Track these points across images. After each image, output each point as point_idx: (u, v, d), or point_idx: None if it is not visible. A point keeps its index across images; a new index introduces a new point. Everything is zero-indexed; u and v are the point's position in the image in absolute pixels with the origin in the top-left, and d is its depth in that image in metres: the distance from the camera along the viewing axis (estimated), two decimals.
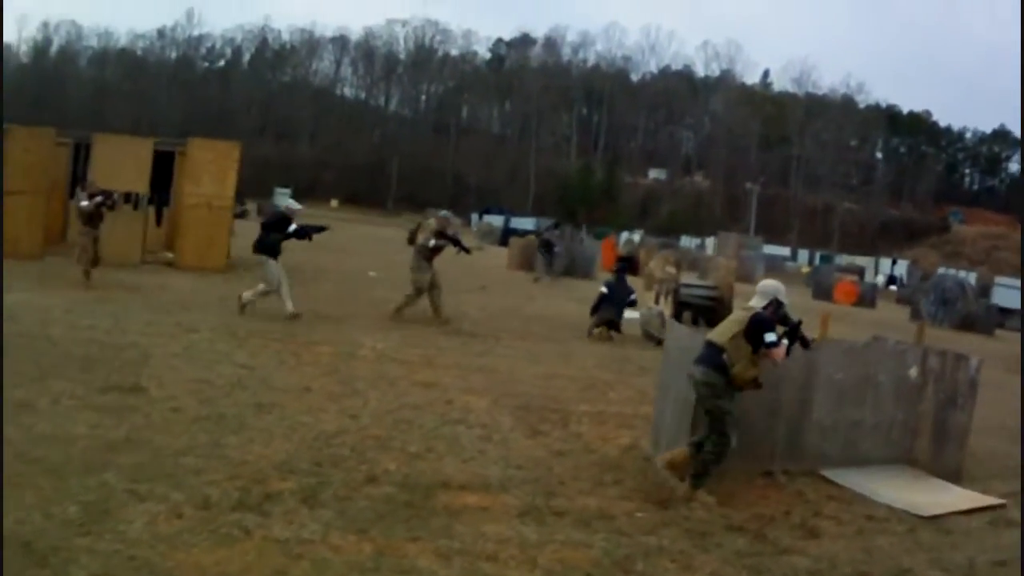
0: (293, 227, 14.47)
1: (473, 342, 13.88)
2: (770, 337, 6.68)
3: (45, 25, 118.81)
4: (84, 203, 15.72)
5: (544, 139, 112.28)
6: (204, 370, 9.75)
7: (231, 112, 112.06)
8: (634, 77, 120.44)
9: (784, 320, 7.07)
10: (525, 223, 67.45)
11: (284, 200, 67.61)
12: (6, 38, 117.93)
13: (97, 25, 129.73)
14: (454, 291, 21.62)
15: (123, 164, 19.83)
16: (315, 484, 6.29)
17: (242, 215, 61.21)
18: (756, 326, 6.73)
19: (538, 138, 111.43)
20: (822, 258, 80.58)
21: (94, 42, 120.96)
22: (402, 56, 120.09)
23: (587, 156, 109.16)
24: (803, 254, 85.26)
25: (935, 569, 5.85)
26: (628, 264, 28.55)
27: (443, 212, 16.10)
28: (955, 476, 8.21)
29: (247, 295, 14.19)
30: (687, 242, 72.74)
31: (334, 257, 29.27)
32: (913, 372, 8.36)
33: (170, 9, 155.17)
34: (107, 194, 16.38)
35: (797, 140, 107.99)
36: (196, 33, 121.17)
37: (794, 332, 7.03)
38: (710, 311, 14.74)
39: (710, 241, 69.14)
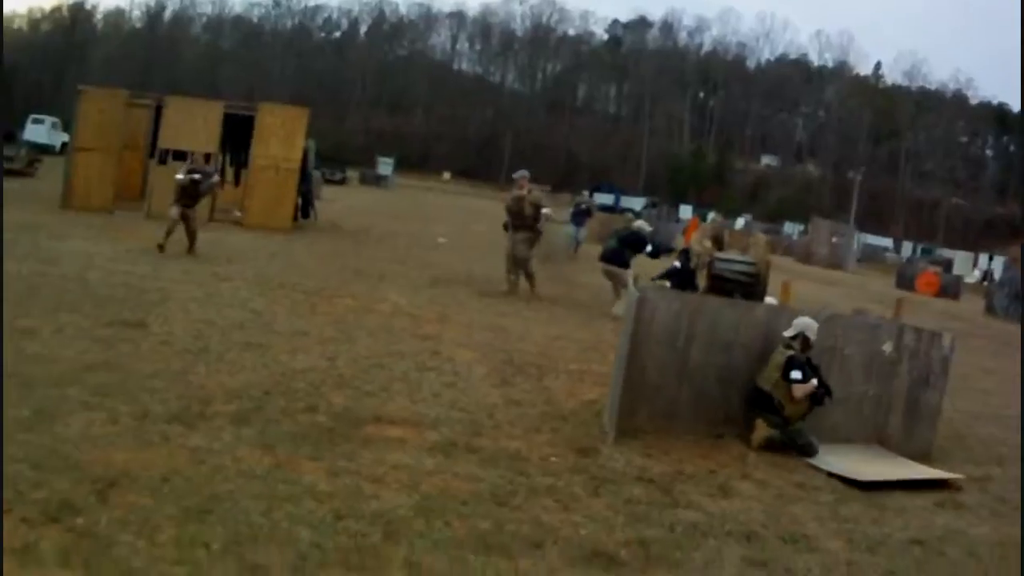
0: (649, 248, 15.14)
1: (502, 304, 14.49)
2: (795, 375, 7.50)
3: None
4: (179, 176, 15.70)
5: (658, 121, 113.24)
6: (214, 313, 10.62)
7: (346, 83, 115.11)
8: (750, 64, 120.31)
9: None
10: (635, 203, 68.41)
11: (386, 168, 69.68)
12: (120, 3, 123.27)
13: None
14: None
15: (192, 126, 21.11)
16: (252, 408, 6.97)
17: (342, 181, 63.41)
18: (786, 366, 7.56)
19: (652, 120, 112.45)
20: (923, 251, 79.06)
21: (208, 9, 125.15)
22: (519, 34, 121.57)
23: (700, 140, 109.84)
24: (907, 246, 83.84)
25: (838, 539, 5.92)
26: (714, 244, 28.78)
27: (520, 172, 16.06)
28: (925, 456, 8.23)
29: (618, 310, 13.30)
30: (790, 228, 72.46)
31: (412, 224, 30.22)
32: (887, 347, 8.40)
33: None
34: (206, 173, 16.34)
35: (907, 133, 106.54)
36: (312, 3, 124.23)
37: (821, 381, 7.79)
38: (746, 286, 14.86)
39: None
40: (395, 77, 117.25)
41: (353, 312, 12.07)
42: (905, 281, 40.57)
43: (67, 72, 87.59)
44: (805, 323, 7.87)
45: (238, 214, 22.28)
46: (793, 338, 7.82)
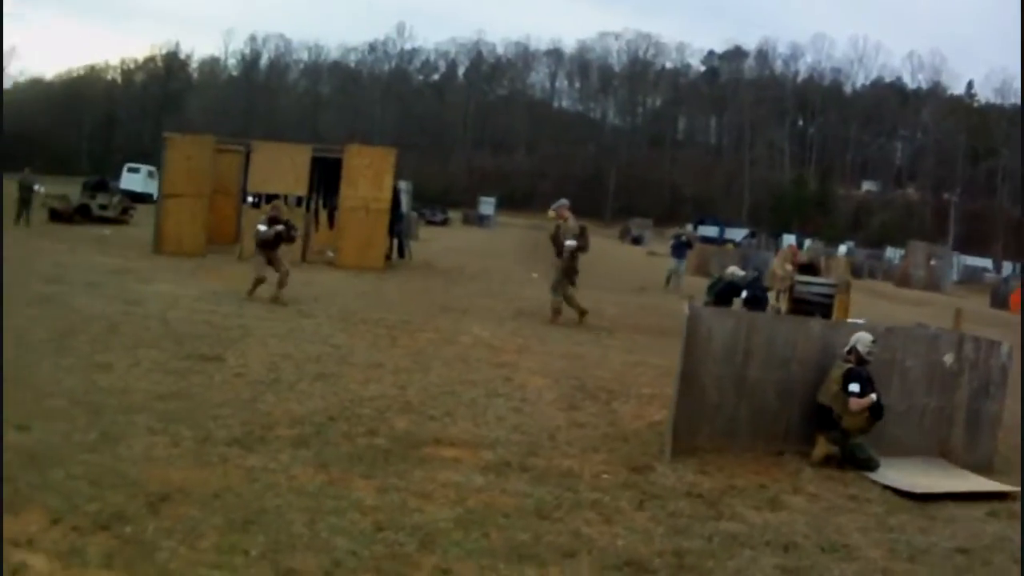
0: (745, 294, 15.61)
1: (582, 334, 14.77)
2: (853, 387, 7.80)
3: (253, 39, 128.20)
4: (262, 227, 15.56)
5: (759, 151, 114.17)
6: (292, 347, 11.17)
7: (447, 125, 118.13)
8: (846, 89, 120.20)
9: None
10: (737, 234, 68.60)
11: (488, 208, 70.97)
12: (214, 52, 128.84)
13: (307, 39, 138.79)
14: (612, 290, 22.61)
15: (281, 169, 22.13)
16: (313, 433, 7.38)
17: (444, 222, 64.75)
18: (844, 378, 7.85)
19: (752, 150, 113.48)
20: (1022, 269, 76.69)
21: (304, 55, 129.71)
22: (617, 69, 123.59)
23: (800, 168, 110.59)
24: (1007, 266, 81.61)
25: (880, 549, 5.99)
26: (809, 270, 29.00)
27: (560, 201, 16.59)
28: (987, 467, 8.24)
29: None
30: (892, 253, 71.62)
31: (506, 261, 30.71)
32: (948, 359, 8.43)
33: (381, 23, 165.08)
34: (289, 225, 16.29)
35: (1002, 151, 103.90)
36: (409, 47, 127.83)
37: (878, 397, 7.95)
38: (826, 307, 14.97)
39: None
40: (496, 117, 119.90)
41: (433, 344, 12.47)
42: (999, 300, 40.98)
43: (164, 121, 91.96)
44: (858, 337, 8.12)
45: (331, 255, 23.14)
46: (850, 352, 8.06)
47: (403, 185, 44.96)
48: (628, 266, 35.63)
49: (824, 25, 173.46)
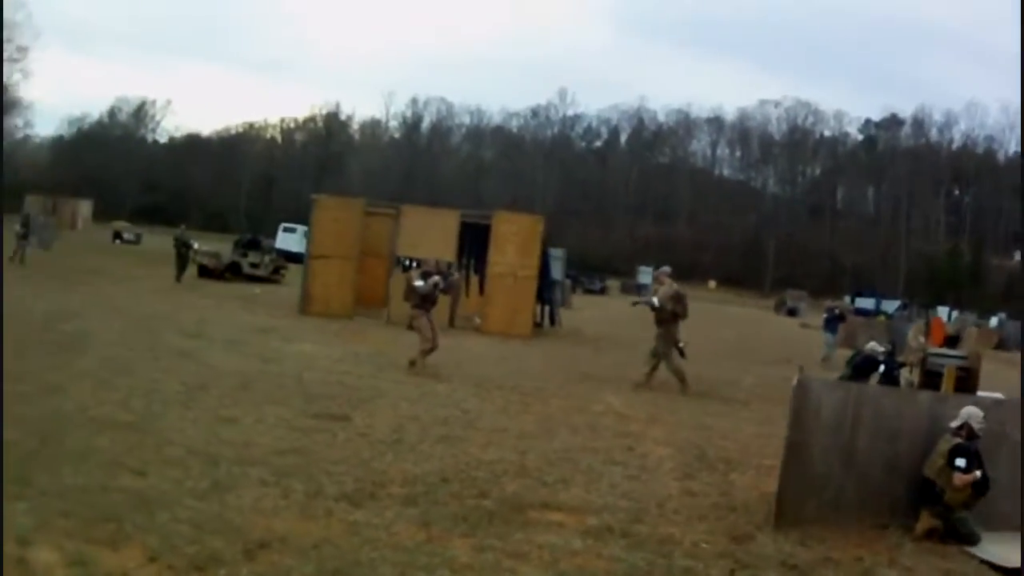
0: (882, 368, 15.47)
1: (715, 405, 14.85)
2: (959, 463, 7.87)
3: (414, 101, 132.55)
4: (419, 283, 15.60)
5: (915, 221, 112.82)
6: (422, 410, 11.56)
7: (609, 191, 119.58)
8: (999, 156, 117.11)
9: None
10: (891, 306, 67.69)
11: (646, 278, 71.05)
12: (375, 113, 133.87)
13: (468, 103, 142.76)
14: (756, 361, 22.35)
15: (429, 233, 22.89)
16: (423, 492, 7.67)
17: (601, 291, 65.14)
18: (951, 453, 7.92)
19: (909, 220, 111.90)
20: None
21: (466, 119, 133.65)
22: (776, 137, 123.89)
23: (955, 237, 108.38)
24: None
25: None
26: (955, 343, 28.53)
27: (662, 268, 17.20)
28: None
29: None
30: None
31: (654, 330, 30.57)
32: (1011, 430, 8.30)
33: (543, 89, 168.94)
34: (444, 275, 16.85)
35: None
36: (571, 113, 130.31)
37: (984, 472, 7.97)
38: (959, 380, 14.86)
39: None
40: (658, 184, 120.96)
41: (563, 411, 12.67)
42: None
43: (324, 182, 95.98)
44: (969, 412, 8.14)
45: (478, 321, 23.66)
46: (959, 428, 8.06)
47: (555, 252, 45.77)
48: (777, 337, 34.97)
49: (977, 91, 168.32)
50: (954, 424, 8.11)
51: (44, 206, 53.82)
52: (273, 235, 54.00)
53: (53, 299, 18.87)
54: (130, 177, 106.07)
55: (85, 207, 57.22)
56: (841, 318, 29.67)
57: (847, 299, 67.54)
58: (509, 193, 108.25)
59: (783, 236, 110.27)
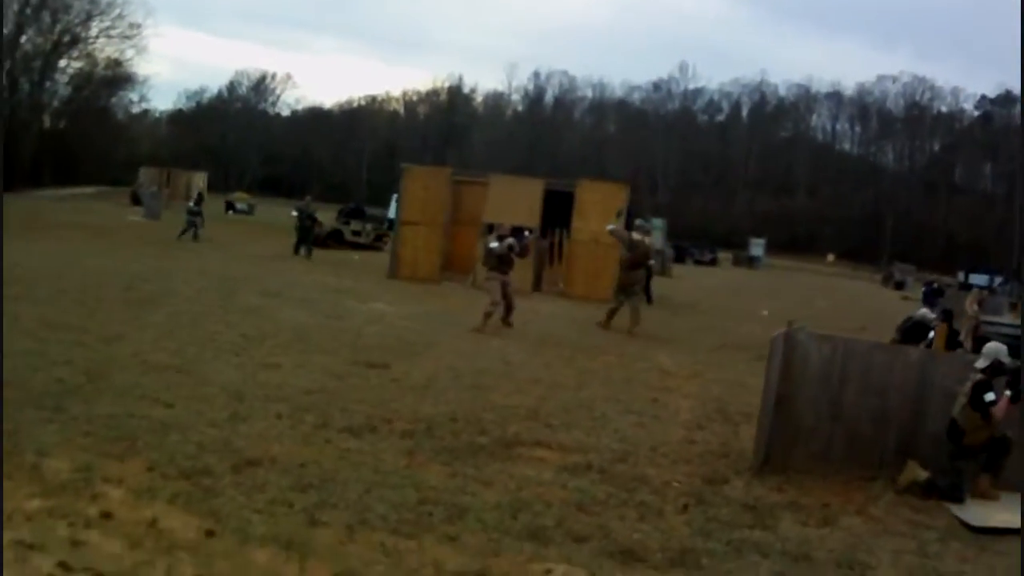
0: (931, 335, 15.39)
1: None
2: (988, 396, 8.02)
3: (536, 75, 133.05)
4: (493, 244, 16.45)
5: None
6: (465, 362, 12.23)
7: (730, 164, 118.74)
8: None
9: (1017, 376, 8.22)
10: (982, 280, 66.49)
11: (757, 249, 70.79)
12: (497, 86, 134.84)
13: (590, 76, 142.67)
14: (833, 328, 22.32)
15: (515, 202, 23.64)
16: (425, 429, 8.34)
17: (712, 262, 64.84)
18: (975, 391, 8.08)
19: (1022, 198, 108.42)
20: None
21: (588, 92, 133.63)
22: (895, 112, 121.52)
23: None
24: None
25: (899, 571, 6.14)
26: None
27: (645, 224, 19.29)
28: None
29: None
30: None
31: (749, 300, 30.69)
32: None
33: (664, 63, 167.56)
34: (519, 236, 17.57)
35: None
36: (692, 87, 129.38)
37: (1016, 380, 8.19)
38: (1012, 348, 14.72)
39: None
40: (778, 158, 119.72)
41: (607, 367, 13.20)
42: None
43: (446, 154, 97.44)
44: (996, 348, 8.40)
45: (561, 286, 24.28)
46: (985, 369, 8.22)
47: (656, 222, 46.07)
48: (872, 307, 34.41)
49: None
50: (979, 364, 8.27)
51: (158, 178, 56.23)
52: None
53: (146, 263, 20.13)
54: (249, 149, 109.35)
55: (200, 179, 59.56)
56: (940, 292, 29.37)
57: (960, 275, 65.93)
58: (631, 166, 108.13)
59: (901, 211, 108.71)
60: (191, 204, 31.87)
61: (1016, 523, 7.35)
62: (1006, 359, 8.24)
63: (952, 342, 15.32)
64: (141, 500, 5.73)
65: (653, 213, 57.74)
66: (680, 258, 59.34)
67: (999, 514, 7.65)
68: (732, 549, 6.17)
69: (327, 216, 37.34)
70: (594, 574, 5.45)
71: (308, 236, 28.35)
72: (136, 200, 44.76)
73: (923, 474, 8.06)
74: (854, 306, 33.40)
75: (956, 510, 7.69)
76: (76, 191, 58.98)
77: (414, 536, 5.65)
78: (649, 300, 26.40)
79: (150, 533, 5.25)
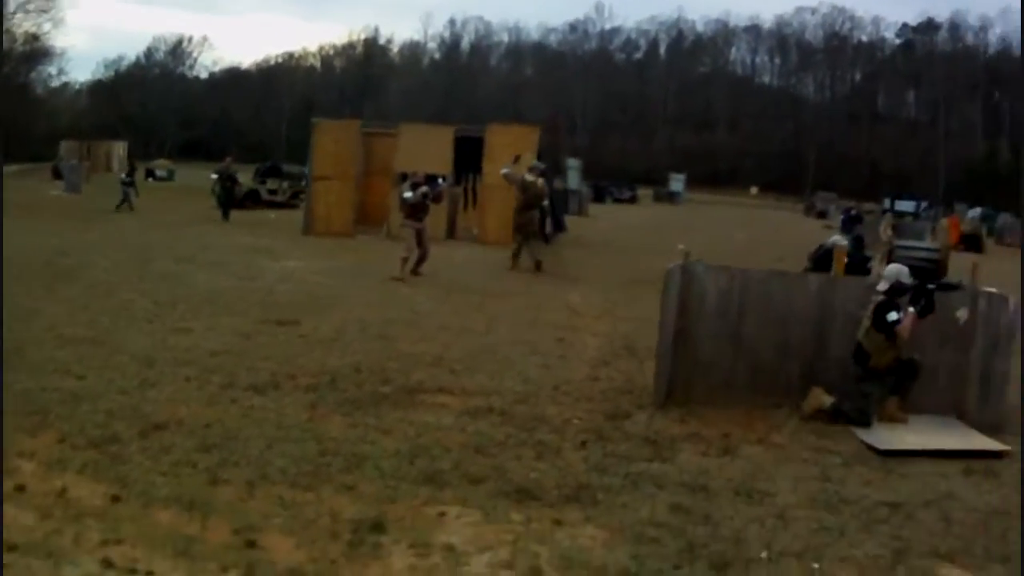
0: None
1: None
2: (891, 316, 8.08)
3: (452, 22, 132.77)
4: (408, 194, 16.54)
5: (953, 124, 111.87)
6: (374, 313, 12.47)
7: (649, 103, 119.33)
8: None
9: (920, 292, 8.32)
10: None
11: (677, 185, 71.64)
12: (415, 36, 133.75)
13: (506, 20, 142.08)
14: (748, 261, 22.87)
15: (426, 150, 23.73)
16: (328, 382, 8.57)
17: (631, 199, 65.59)
18: (877, 312, 8.17)
19: (947, 124, 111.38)
20: None
21: (505, 37, 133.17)
22: (814, 43, 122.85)
23: (994, 140, 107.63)
24: None
25: (799, 497, 6.31)
26: (973, 240, 29.10)
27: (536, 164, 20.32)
28: (998, 427, 8.28)
29: None
30: None
31: (666, 235, 31.08)
32: (962, 314, 8.50)
33: (580, 3, 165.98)
34: (432, 185, 17.84)
35: None
36: (608, 27, 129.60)
37: (919, 295, 8.30)
38: (928, 272, 15.17)
39: None
40: (698, 94, 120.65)
41: (516, 310, 13.53)
42: None
43: (364, 106, 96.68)
44: (897, 269, 8.58)
45: (475, 232, 24.52)
46: (887, 290, 8.34)
47: (572, 163, 46.47)
48: (790, 238, 35.13)
49: None
50: (880, 287, 8.37)
51: (79, 151, 55.16)
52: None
53: (66, 237, 19.87)
54: (169, 115, 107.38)
55: (120, 148, 58.59)
56: (858, 218, 30.11)
57: (887, 201, 67.36)
58: (549, 108, 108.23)
59: (823, 142, 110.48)
60: (123, 175, 31.44)
61: (926, 444, 7.63)
62: (907, 279, 8.36)
63: (860, 268, 15.69)
64: (52, 472, 5.90)
65: (572, 154, 58.05)
66: (599, 197, 59.99)
67: (907, 436, 7.84)
68: (629, 482, 6.38)
69: (246, 177, 37.03)
70: (488, 514, 5.69)
71: (230, 198, 28.13)
72: (58, 174, 43.96)
73: (828, 400, 8.22)
74: (774, 237, 34.05)
75: (862, 434, 7.81)
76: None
77: (312, 488, 5.90)
78: (546, 240, 26.84)
79: (59, 503, 5.45)
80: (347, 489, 5.94)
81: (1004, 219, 53.75)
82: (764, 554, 5.33)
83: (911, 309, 8.14)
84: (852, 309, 8.61)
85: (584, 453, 7.01)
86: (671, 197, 71.84)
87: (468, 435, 7.26)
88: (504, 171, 20.26)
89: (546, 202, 19.83)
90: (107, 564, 4.68)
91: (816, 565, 5.23)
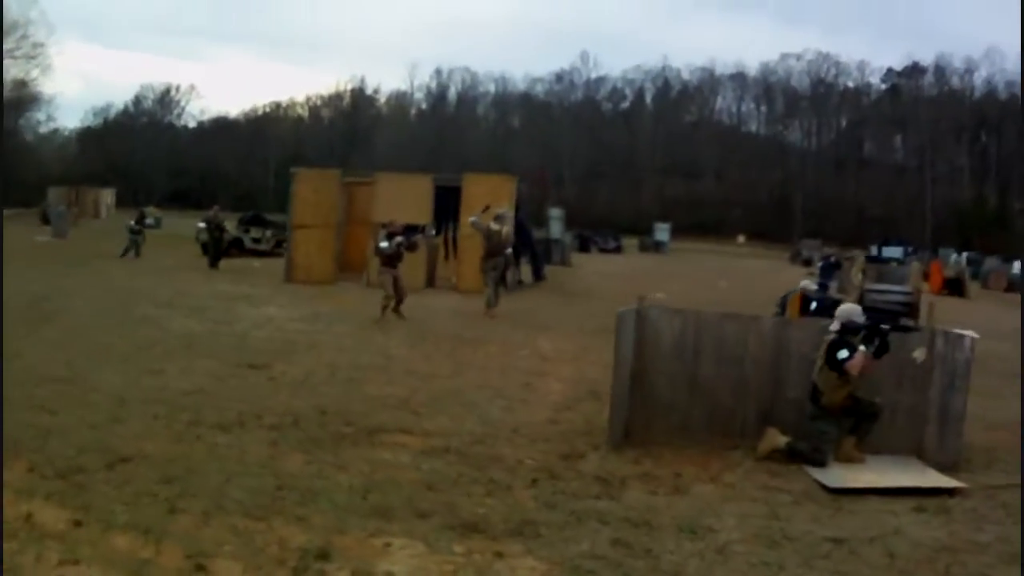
0: (813, 306, 15.69)
1: None
2: (842, 354, 8.29)
3: (438, 72, 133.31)
4: (384, 244, 17.45)
5: (940, 169, 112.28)
6: (347, 359, 12.76)
7: (637, 152, 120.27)
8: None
9: (874, 332, 8.56)
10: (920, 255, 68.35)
11: (663, 234, 71.99)
12: (401, 86, 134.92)
13: (492, 70, 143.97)
14: (727, 308, 23.28)
15: (404, 199, 24.09)
16: (292, 422, 8.87)
17: (616, 249, 66.04)
18: (828, 351, 8.41)
19: (934, 168, 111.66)
20: None
21: (491, 87, 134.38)
22: (800, 90, 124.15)
23: (982, 183, 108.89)
24: None
25: (743, 533, 6.41)
26: (955, 284, 29.53)
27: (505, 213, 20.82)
28: (955, 465, 8.51)
29: None
30: None
31: (646, 284, 31.28)
32: (919, 354, 8.73)
33: (565, 52, 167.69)
34: (408, 235, 18.63)
35: None
36: (594, 76, 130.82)
37: (873, 335, 8.54)
38: (899, 316, 15.45)
39: None
40: (685, 143, 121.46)
41: (487, 356, 13.83)
42: None
43: (351, 157, 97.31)
44: (848, 309, 8.87)
45: (454, 280, 24.89)
46: (839, 330, 8.59)
47: (555, 212, 47.05)
48: (772, 286, 35.51)
49: (995, 37, 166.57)
50: (832, 327, 8.57)
51: (67, 197, 55.60)
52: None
53: (50, 282, 20.15)
54: (157, 163, 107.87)
55: (108, 195, 59.20)
56: (837, 265, 30.57)
57: (873, 248, 67.80)
58: (537, 159, 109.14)
59: (810, 189, 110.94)
60: (132, 223, 31.86)
61: (878, 482, 7.84)
62: (859, 318, 8.62)
63: (828, 312, 15.96)
64: (20, 498, 6.18)
65: (558, 204, 58.53)
66: (584, 247, 60.38)
67: (862, 475, 8.00)
68: (574, 519, 6.61)
69: (230, 226, 37.32)
70: (431, 546, 5.94)
71: (218, 247, 28.43)
72: (46, 220, 44.39)
73: (783, 440, 8.42)
74: (756, 285, 34.35)
75: (816, 473, 7.96)
76: None
77: (265, 518, 6.18)
78: (506, 285, 27.18)
79: (25, 526, 5.74)
80: (299, 520, 6.21)
81: (990, 263, 54.23)
82: None
83: (863, 348, 8.31)
84: (807, 351, 8.85)
85: (534, 491, 7.25)
86: (657, 246, 72.25)
87: (422, 473, 7.54)
88: (472, 219, 20.81)
89: (509, 251, 20.24)
90: None
91: None
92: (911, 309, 16.63)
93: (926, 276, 42.13)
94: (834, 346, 8.39)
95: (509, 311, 19.55)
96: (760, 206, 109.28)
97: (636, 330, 8.95)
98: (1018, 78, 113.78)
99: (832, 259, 30.46)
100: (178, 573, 5.23)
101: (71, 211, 46.15)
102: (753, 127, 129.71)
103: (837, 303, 17.25)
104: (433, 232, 25.77)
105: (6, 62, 68.79)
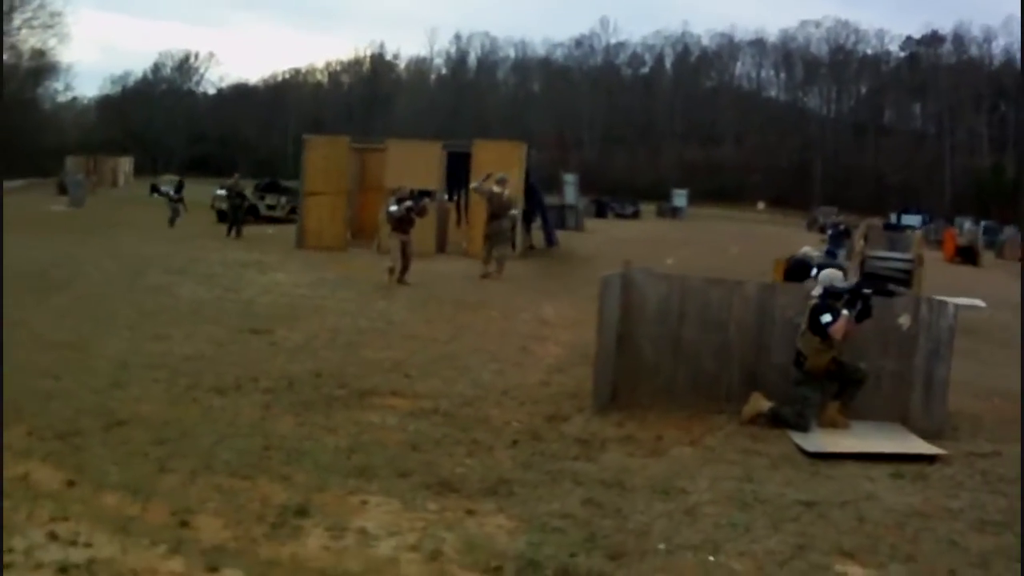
0: (814, 272, 15.94)
1: None
2: (825, 318, 8.40)
3: (458, 37, 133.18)
4: (392, 208, 17.82)
5: (959, 137, 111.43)
6: (347, 323, 13.01)
7: (656, 117, 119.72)
8: None
9: (856, 296, 8.66)
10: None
11: (680, 200, 71.79)
12: (421, 52, 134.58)
13: (512, 35, 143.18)
14: (733, 274, 23.36)
15: (415, 165, 24.29)
16: (287, 385, 9.14)
17: (634, 215, 66.10)
18: (811, 315, 8.53)
19: (953, 136, 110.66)
20: None
21: (511, 52, 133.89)
22: (819, 57, 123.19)
23: (1000, 152, 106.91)
24: None
25: (715, 495, 6.58)
26: (968, 252, 29.53)
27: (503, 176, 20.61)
28: (939, 432, 8.63)
29: None
30: None
31: (659, 249, 31.51)
32: (904, 320, 8.90)
33: (585, 18, 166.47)
34: (416, 199, 18.97)
35: None
36: (614, 41, 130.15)
37: (855, 299, 8.64)
38: (900, 282, 15.53)
39: None
40: (704, 109, 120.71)
41: (487, 320, 14.07)
42: None
43: (371, 123, 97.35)
44: (830, 275, 8.93)
45: (465, 245, 25.08)
46: (821, 295, 8.71)
47: (569, 178, 47.05)
48: (788, 253, 35.61)
49: (1014, 6, 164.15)
50: (815, 292, 8.68)
51: (85, 165, 56.01)
52: None
53: (64, 250, 20.46)
54: (176, 130, 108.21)
55: (126, 163, 59.63)
56: (846, 233, 30.48)
57: (892, 216, 67.36)
58: (556, 123, 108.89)
59: (829, 155, 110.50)
60: (171, 192, 32.18)
61: (858, 448, 7.97)
62: (840, 284, 8.74)
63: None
64: (17, 459, 6.47)
65: (574, 169, 58.45)
66: (601, 213, 60.40)
67: (843, 440, 8.09)
68: (549, 479, 6.81)
69: (248, 193, 37.56)
70: (406, 503, 6.18)
71: (238, 214, 28.50)
72: (63, 189, 44.81)
73: (766, 404, 8.57)
74: (769, 252, 34.31)
75: (797, 438, 8.04)
76: (5, 185, 58.47)
77: (250, 477, 6.45)
78: (513, 247, 27.34)
79: (20, 486, 6.01)
80: (282, 479, 6.48)
81: (1007, 232, 53.88)
82: (662, 546, 5.74)
83: (845, 312, 8.42)
84: (791, 316, 9.00)
85: (513, 452, 7.48)
86: (674, 212, 72.10)
87: (408, 434, 7.79)
88: (474, 185, 21.29)
89: (515, 211, 20.72)
90: (52, 537, 5.25)
91: (712, 558, 5.61)
92: (910, 275, 16.66)
93: (940, 244, 42.13)
94: (816, 310, 8.50)
95: (514, 276, 19.74)
96: (780, 172, 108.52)
97: (622, 295, 9.10)
98: None
99: (841, 227, 30.42)
100: (162, 528, 5.48)
101: (89, 180, 46.46)
102: (773, 93, 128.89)
103: (840, 268, 17.41)
104: (446, 196, 25.89)
105: (24, 32, 69.37)
